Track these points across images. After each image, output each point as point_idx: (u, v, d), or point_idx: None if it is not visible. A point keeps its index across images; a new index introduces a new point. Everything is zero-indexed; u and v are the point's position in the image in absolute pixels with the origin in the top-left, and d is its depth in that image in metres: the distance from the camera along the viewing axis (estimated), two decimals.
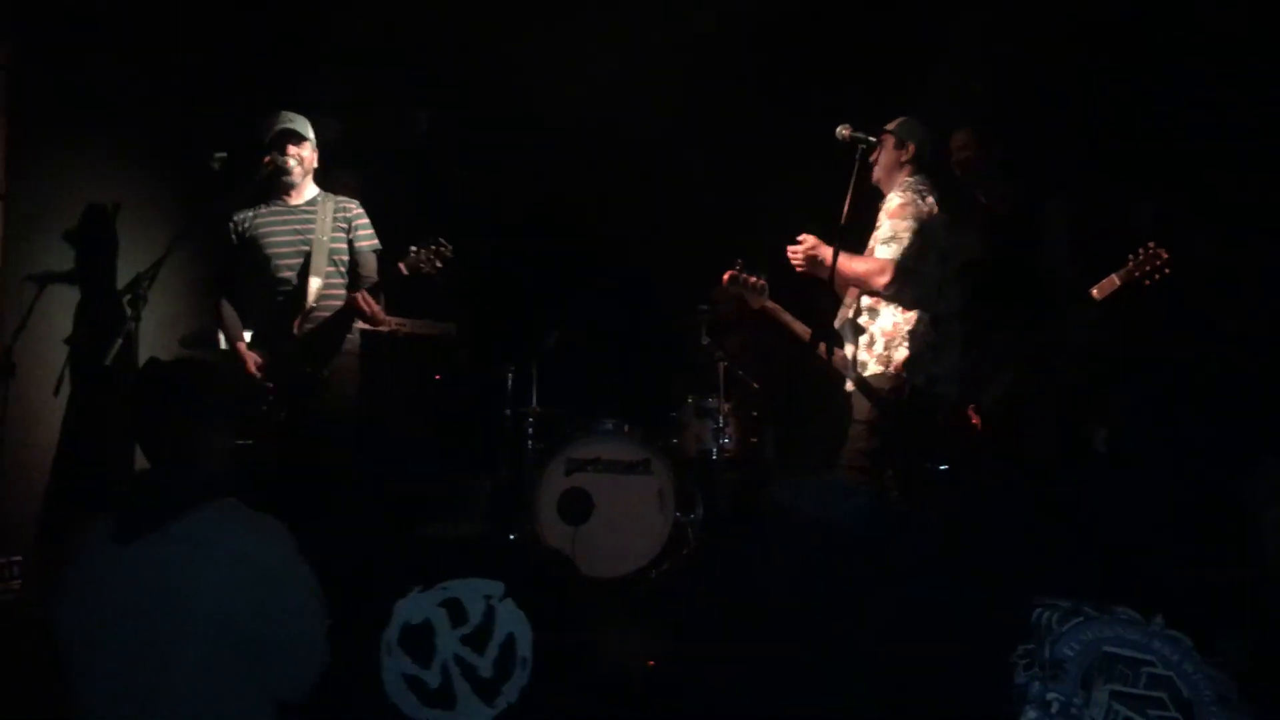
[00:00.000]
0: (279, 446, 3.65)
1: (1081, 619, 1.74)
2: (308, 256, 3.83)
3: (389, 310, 3.94)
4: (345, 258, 3.92)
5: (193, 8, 4.56)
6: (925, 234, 3.46)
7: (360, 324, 3.90)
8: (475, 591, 2.50)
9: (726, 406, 4.63)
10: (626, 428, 4.64)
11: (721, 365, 4.63)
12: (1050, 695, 1.71)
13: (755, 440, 4.74)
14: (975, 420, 3.81)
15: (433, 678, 2.46)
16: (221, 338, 3.92)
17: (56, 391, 3.96)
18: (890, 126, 3.65)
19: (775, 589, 2.37)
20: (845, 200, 3.34)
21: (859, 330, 3.62)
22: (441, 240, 3.76)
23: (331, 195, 3.98)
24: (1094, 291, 3.77)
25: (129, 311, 3.47)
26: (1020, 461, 3.88)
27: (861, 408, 3.49)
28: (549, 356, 4.86)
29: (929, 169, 3.66)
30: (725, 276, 3.69)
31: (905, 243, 3.43)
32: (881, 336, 3.52)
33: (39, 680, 2.61)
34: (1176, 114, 4.24)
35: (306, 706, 2.12)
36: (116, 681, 1.99)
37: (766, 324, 3.74)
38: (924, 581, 2.13)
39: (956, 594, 2.03)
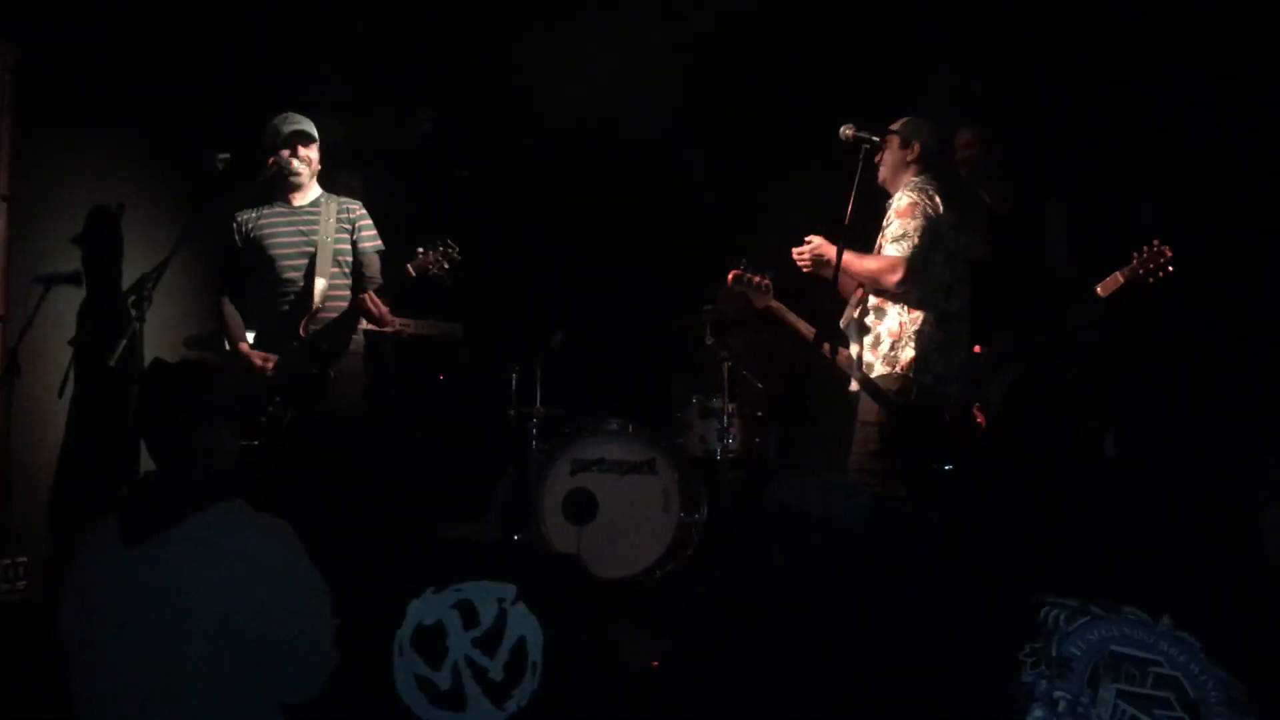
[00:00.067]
0: (285, 447, 3.66)
1: (1089, 618, 1.75)
2: (312, 257, 3.83)
3: (392, 310, 3.94)
4: (349, 258, 3.93)
5: (194, 8, 4.56)
6: (933, 233, 3.47)
7: (365, 324, 3.91)
8: (488, 594, 2.50)
9: (731, 406, 4.63)
10: (631, 428, 4.64)
11: (725, 365, 4.63)
12: (1057, 693, 1.72)
13: (759, 440, 4.74)
14: (980, 420, 3.81)
15: (443, 679, 2.46)
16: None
17: (61, 393, 3.97)
18: (895, 126, 3.65)
19: (780, 589, 2.37)
20: (849, 200, 3.35)
21: (864, 330, 3.62)
22: (449, 241, 3.77)
23: (334, 196, 3.99)
24: (1098, 289, 3.78)
25: (133, 312, 3.47)
26: (1024, 460, 3.89)
27: (867, 408, 3.49)
28: (553, 357, 4.86)
29: (934, 169, 3.67)
30: (729, 276, 3.69)
31: (916, 241, 3.44)
32: (888, 336, 3.52)
33: (43, 681, 2.61)
34: (1176, 114, 4.25)
35: (317, 706, 2.12)
36: (119, 682, 1.99)
37: (770, 324, 3.74)
38: (929, 581, 2.14)
39: (962, 593, 2.04)
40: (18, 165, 4.04)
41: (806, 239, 3.58)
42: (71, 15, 4.16)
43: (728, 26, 4.80)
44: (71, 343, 4.16)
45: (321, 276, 3.82)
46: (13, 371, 3.90)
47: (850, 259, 3.45)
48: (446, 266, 3.76)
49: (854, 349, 3.65)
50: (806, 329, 3.72)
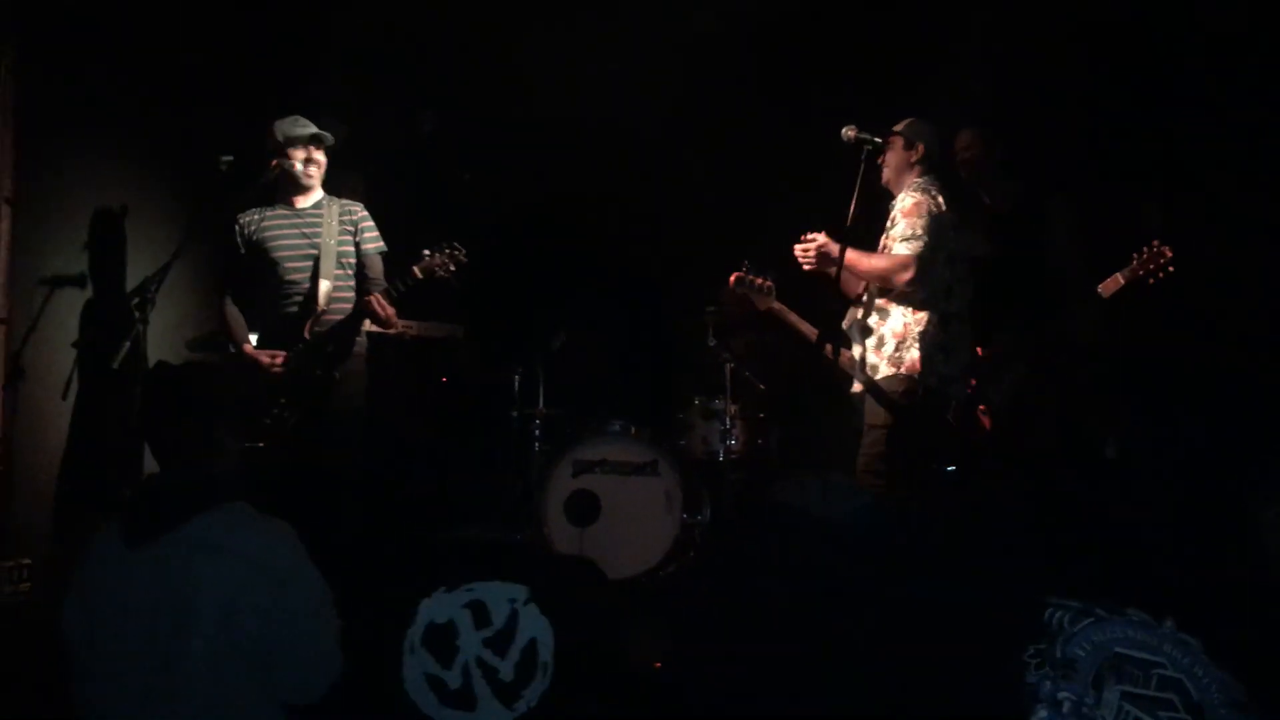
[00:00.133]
0: (290, 449, 3.66)
1: (1093, 619, 1.75)
2: (316, 260, 3.84)
3: (395, 312, 3.95)
4: (352, 260, 3.93)
5: (196, 10, 4.56)
6: (938, 234, 3.48)
7: (369, 326, 3.91)
8: (500, 595, 2.50)
9: (733, 408, 4.63)
10: (633, 429, 4.64)
11: (728, 366, 4.63)
12: (1062, 694, 1.73)
13: (761, 442, 4.74)
14: (986, 421, 3.82)
15: (454, 678, 2.46)
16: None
17: (65, 395, 3.99)
18: (899, 128, 3.66)
19: (782, 590, 2.37)
20: (850, 202, 3.36)
21: (867, 332, 3.62)
22: (455, 243, 3.77)
23: (335, 198, 3.99)
24: (1100, 289, 3.78)
25: (137, 314, 3.48)
26: (1027, 460, 3.89)
27: (874, 411, 3.50)
28: (555, 358, 4.86)
29: (937, 169, 3.67)
30: (732, 278, 3.70)
31: (925, 240, 3.44)
32: (892, 338, 3.53)
33: (47, 682, 2.61)
34: (1177, 114, 4.25)
35: (323, 705, 2.12)
36: (120, 683, 1.99)
37: (772, 325, 3.75)
38: (933, 581, 2.14)
39: (966, 594, 2.04)
40: (22, 168, 4.04)
41: (809, 235, 3.57)
42: (73, 17, 4.17)
43: (729, 27, 4.81)
44: (75, 345, 4.16)
45: (326, 278, 3.82)
46: (16, 374, 3.91)
47: (857, 257, 3.46)
48: (453, 268, 3.76)
49: (856, 350, 3.65)
50: (809, 330, 3.73)
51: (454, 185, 5.32)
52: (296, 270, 3.84)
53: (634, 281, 5.38)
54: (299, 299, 3.83)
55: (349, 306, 3.85)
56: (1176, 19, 4.27)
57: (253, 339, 3.88)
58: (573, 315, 4.99)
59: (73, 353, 4.11)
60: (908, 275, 3.45)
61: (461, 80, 5.34)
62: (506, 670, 2.44)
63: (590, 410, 4.81)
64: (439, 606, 2.51)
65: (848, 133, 3.43)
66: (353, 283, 3.92)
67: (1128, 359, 4.08)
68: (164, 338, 4.26)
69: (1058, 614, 1.78)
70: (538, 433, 4.82)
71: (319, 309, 3.80)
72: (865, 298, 3.69)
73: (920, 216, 3.48)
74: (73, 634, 2.07)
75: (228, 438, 2.21)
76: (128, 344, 3.39)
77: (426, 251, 3.78)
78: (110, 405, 4.03)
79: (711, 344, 4.72)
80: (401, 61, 5.29)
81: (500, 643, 2.47)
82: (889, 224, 3.63)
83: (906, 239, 3.47)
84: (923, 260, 3.44)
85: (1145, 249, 3.72)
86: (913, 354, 3.46)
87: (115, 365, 3.36)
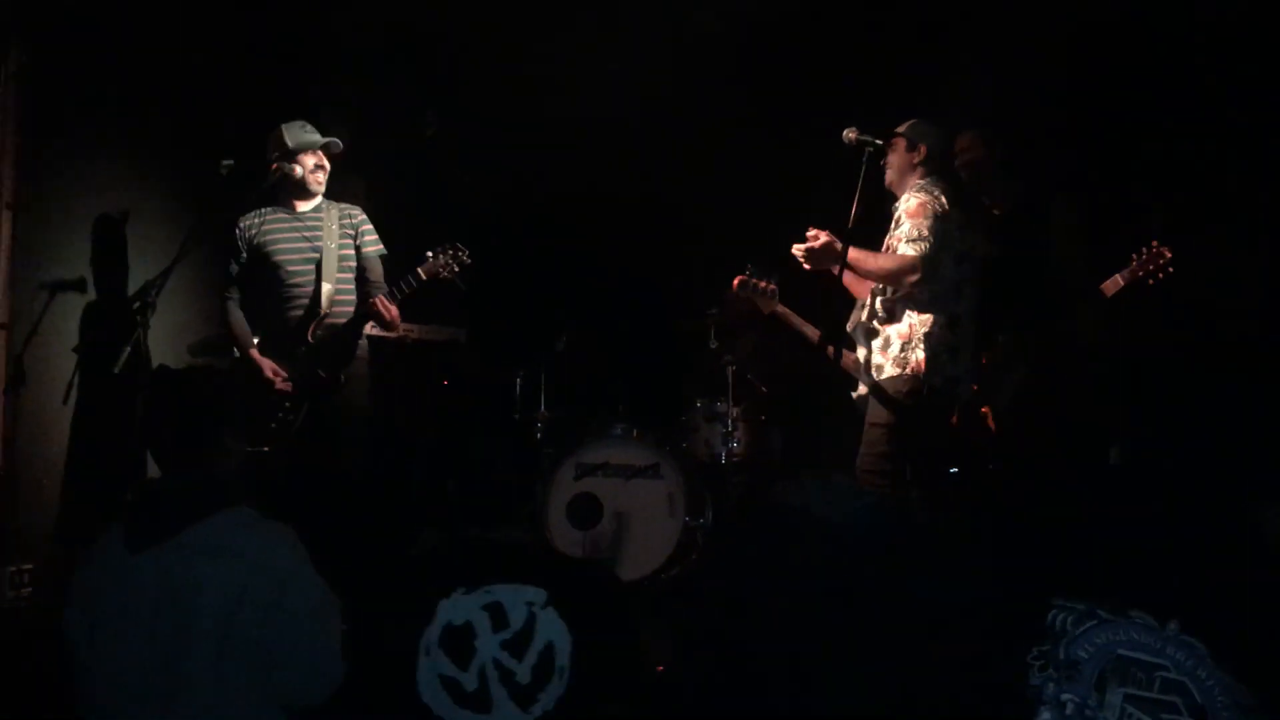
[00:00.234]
0: (294, 453, 3.66)
1: (1096, 621, 1.75)
2: (318, 263, 3.84)
3: None
4: (354, 263, 3.94)
5: (198, 14, 4.57)
6: (943, 234, 3.47)
7: (371, 329, 3.91)
8: (518, 597, 2.47)
9: (735, 410, 4.63)
10: (636, 432, 4.63)
11: (730, 369, 4.63)
12: (1065, 696, 1.73)
13: (764, 444, 4.74)
14: (990, 422, 3.81)
15: (470, 680, 2.43)
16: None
17: (66, 399, 3.99)
18: (901, 129, 3.65)
19: (785, 591, 2.37)
20: (852, 203, 3.35)
21: (872, 334, 3.61)
22: (459, 245, 3.77)
23: (334, 202, 4.00)
24: (1103, 289, 3.78)
25: (138, 319, 3.48)
26: (1029, 461, 3.89)
27: (875, 410, 3.49)
28: (557, 361, 4.86)
29: (939, 170, 3.67)
30: (735, 282, 3.69)
31: (930, 241, 3.44)
32: (897, 339, 3.52)
33: (49, 686, 2.62)
34: (1177, 114, 4.25)
35: (332, 707, 2.12)
36: (122, 687, 2.00)
37: (776, 327, 3.75)
38: (936, 582, 2.14)
39: (969, 595, 2.04)
40: (26, 173, 4.05)
41: (810, 233, 3.56)
42: (77, 22, 4.17)
43: (731, 28, 4.81)
44: (76, 349, 4.17)
45: (328, 282, 3.83)
46: (18, 378, 3.92)
47: (862, 256, 3.45)
48: (456, 269, 3.76)
49: (860, 352, 3.65)
50: (812, 333, 3.72)
51: (456, 187, 5.32)
52: (298, 274, 3.84)
53: (636, 283, 5.36)
54: (302, 302, 3.83)
55: (351, 310, 3.86)
56: (1176, 19, 4.26)
57: (255, 342, 3.88)
58: (575, 317, 4.99)
59: (74, 357, 4.12)
60: (914, 277, 3.44)
61: (464, 81, 5.34)
62: (523, 673, 2.42)
63: (593, 413, 4.81)
64: (457, 608, 2.48)
65: (849, 135, 3.43)
66: (354, 286, 3.93)
67: (1129, 360, 4.07)
68: (165, 342, 4.26)
69: (1061, 616, 1.78)
70: (540, 435, 4.81)
71: (322, 312, 3.81)
72: (870, 299, 3.68)
73: (925, 217, 3.47)
74: (74, 637, 2.07)
75: (230, 442, 2.21)
76: (129, 348, 3.39)
77: (430, 253, 3.79)
78: (111, 410, 4.03)
79: (714, 346, 4.71)
80: (403, 63, 5.29)
81: (517, 645, 2.44)
82: (893, 225, 3.62)
83: (912, 240, 3.46)
84: (928, 261, 3.44)
85: (1145, 250, 3.72)
86: (918, 355, 3.45)
87: (116, 370, 3.36)
